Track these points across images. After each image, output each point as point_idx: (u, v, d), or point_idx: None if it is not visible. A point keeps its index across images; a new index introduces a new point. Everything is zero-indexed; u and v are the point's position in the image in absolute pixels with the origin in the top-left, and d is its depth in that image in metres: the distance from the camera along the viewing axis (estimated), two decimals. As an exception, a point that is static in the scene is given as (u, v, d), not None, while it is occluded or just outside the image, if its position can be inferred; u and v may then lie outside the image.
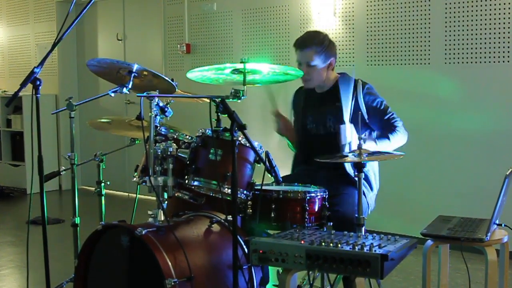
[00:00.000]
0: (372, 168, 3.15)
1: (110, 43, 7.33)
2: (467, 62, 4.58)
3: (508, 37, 4.39)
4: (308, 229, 2.57)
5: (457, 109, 4.67)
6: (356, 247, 2.07)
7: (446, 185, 4.73)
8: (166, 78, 2.86)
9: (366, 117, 3.08)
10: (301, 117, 3.27)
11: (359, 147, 2.66)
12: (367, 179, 3.09)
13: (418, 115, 4.81)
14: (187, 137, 2.79)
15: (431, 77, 4.76)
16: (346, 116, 3.04)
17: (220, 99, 2.46)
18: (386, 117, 3.10)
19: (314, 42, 3.10)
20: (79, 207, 3.34)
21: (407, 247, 2.22)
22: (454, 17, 4.61)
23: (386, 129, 3.09)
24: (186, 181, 2.68)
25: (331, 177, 3.01)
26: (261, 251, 2.21)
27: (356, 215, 2.61)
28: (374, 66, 5.05)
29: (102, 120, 3.57)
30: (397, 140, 3.06)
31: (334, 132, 3.09)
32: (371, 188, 3.11)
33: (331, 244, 2.12)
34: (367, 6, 5.06)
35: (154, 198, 2.69)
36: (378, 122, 3.11)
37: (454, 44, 4.62)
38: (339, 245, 2.11)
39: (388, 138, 3.05)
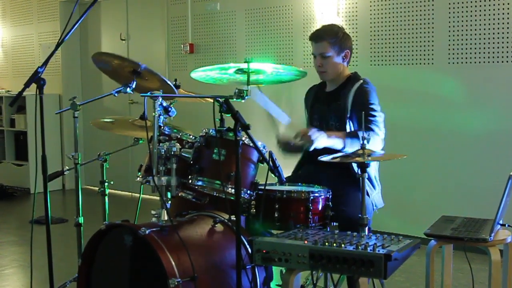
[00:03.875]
0: (374, 166, 3.14)
1: (114, 43, 7.33)
2: (471, 62, 4.58)
3: (512, 37, 4.39)
4: (311, 229, 2.57)
5: (460, 109, 4.66)
6: (359, 247, 2.07)
7: (449, 185, 4.72)
8: (168, 82, 2.85)
9: (349, 108, 3.03)
10: (309, 115, 3.30)
11: (363, 147, 2.66)
12: (369, 178, 3.08)
13: (422, 115, 4.81)
14: (191, 137, 2.79)
15: (435, 77, 4.76)
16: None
17: (223, 99, 2.46)
18: (366, 113, 2.90)
19: (328, 34, 3.12)
20: (82, 207, 3.35)
21: (410, 247, 2.22)
22: (458, 16, 4.60)
23: (360, 126, 2.90)
24: (190, 181, 2.68)
25: (336, 177, 3.01)
26: (264, 251, 2.21)
27: (360, 215, 2.61)
28: (378, 66, 5.05)
29: (106, 120, 3.57)
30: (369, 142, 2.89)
31: (336, 131, 3.09)
32: (374, 187, 3.11)
33: (334, 244, 2.12)
34: (371, 5, 5.05)
35: (158, 197, 2.69)
36: (358, 118, 3.01)
37: (458, 44, 4.62)
38: (343, 245, 2.11)
39: (357, 137, 2.88)
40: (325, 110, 3.19)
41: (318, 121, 3.22)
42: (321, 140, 2.87)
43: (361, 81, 3.12)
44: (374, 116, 3.02)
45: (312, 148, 2.88)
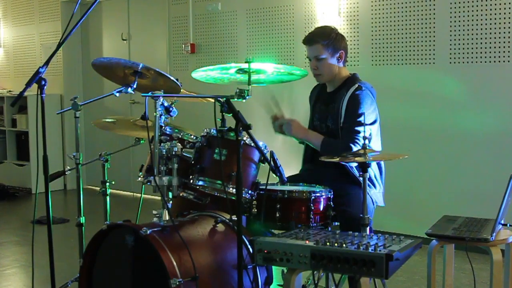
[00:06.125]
0: (372, 166, 3.14)
1: (115, 43, 7.34)
2: (472, 62, 4.57)
3: (514, 37, 4.38)
4: (313, 229, 2.57)
5: (462, 109, 4.66)
6: (361, 247, 2.07)
7: (451, 185, 4.72)
8: (171, 77, 2.86)
9: (343, 114, 3.02)
10: (311, 113, 3.31)
11: (364, 147, 2.66)
12: (369, 177, 3.09)
13: (423, 115, 4.80)
14: (192, 137, 2.79)
15: (436, 77, 4.75)
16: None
17: (225, 99, 2.46)
18: (352, 128, 2.96)
19: (320, 36, 3.11)
20: (84, 207, 3.35)
21: (412, 247, 2.22)
22: (459, 16, 4.60)
23: (344, 137, 2.99)
24: (191, 181, 2.68)
25: (337, 176, 3.01)
26: (265, 251, 2.21)
27: (361, 215, 2.61)
28: (379, 66, 5.05)
29: (107, 120, 3.57)
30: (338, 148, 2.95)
31: (331, 132, 3.09)
32: (374, 185, 3.11)
33: (336, 244, 2.12)
34: (372, 5, 5.05)
35: (159, 197, 2.69)
36: (345, 128, 3.02)
37: (459, 44, 4.61)
38: (344, 245, 2.11)
39: (333, 147, 2.97)
40: (324, 111, 3.20)
41: (318, 120, 3.23)
42: (296, 130, 3.04)
43: (356, 86, 3.05)
44: (359, 132, 2.94)
45: (290, 135, 3.08)
